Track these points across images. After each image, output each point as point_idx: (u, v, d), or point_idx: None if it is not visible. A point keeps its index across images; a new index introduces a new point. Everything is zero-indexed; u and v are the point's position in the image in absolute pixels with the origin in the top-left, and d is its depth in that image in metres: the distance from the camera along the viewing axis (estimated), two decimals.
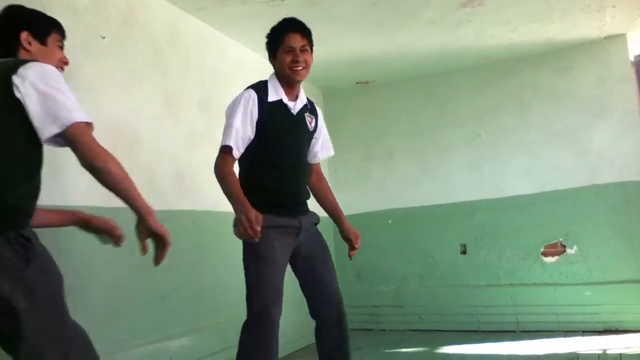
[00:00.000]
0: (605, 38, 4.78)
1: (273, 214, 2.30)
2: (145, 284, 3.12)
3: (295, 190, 2.47)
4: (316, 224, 2.57)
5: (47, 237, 2.59)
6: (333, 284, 2.51)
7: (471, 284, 5.10)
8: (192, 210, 3.58)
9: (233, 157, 2.33)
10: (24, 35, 1.80)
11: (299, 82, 2.43)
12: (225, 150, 2.32)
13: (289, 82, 2.42)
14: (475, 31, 4.42)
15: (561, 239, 4.85)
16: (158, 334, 3.16)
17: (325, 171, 5.56)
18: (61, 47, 1.96)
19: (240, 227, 2.13)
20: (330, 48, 4.54)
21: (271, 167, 2.39)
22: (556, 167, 4.92)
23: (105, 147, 2.84)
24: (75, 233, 2.72)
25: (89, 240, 2.79)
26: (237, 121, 2.30)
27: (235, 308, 3.81)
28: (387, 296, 5.42)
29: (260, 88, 2.40)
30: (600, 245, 4.69)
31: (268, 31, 2.49)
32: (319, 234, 2.58)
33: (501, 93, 5.19)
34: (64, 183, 2.73)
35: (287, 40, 2.38)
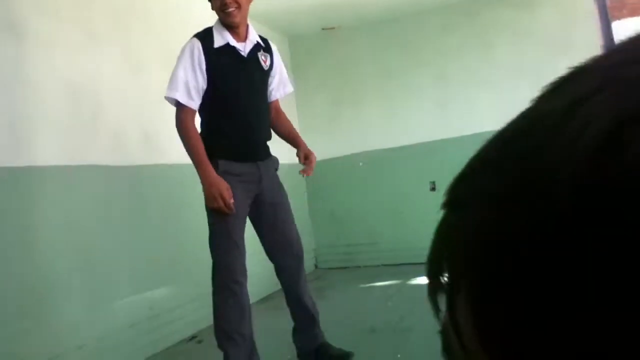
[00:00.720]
0: None
1: (232, 160, 2.36)
2: (119, 239, 3.16)
3: (253, 134, 2.47)
4: (276, 169, 2.61)
5: (17, 197, 2.59)
6: (293, 229, 2.60)
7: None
8: (160, 164, 3.59)
9: (190, 108, 2.34)
10: None
11: (234, 23, 2.38)
12: (179, 106, 2.35)
13: (227, 25, 2.39)
14: None
15: None
16: (137, 285, 3.24)
17: (294, 117, 5.63)
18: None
19: (214, 203, 2.22)
20: None
21: (227, 113, 2.40)
22: (521, 102, 4.64)
23: (68, 107, 2.83)
24: (46, 197, 2.73)
25: (60, 201, 2.81)
26: (184, 72, 2.31)
27: (207, 256, 3.91)
28: (361, 235, 5.59)
29: (205, 35, 2.39)
30: None
31: None
32: (280, 184, 2.62)
33: (465, 33, 5.24)
34: (27, 143, 2.70)
35: None
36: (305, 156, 2.62)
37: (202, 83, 2.34)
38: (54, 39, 2.91)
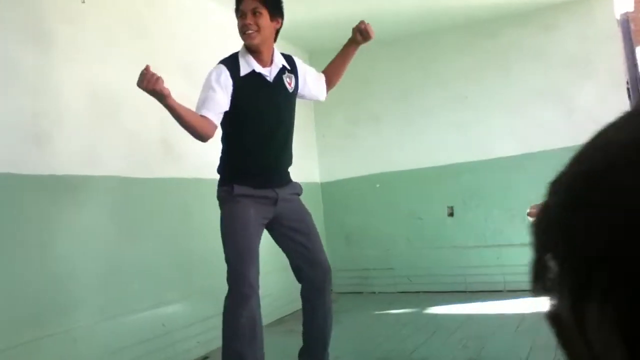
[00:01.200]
0: None
1: (249, 186, 2.34)
2: (134, 252, 3.13)
3: (273, 163, 2.45)
4: (298, 194, 2.56)
5: (39, 206, 2.58)
6: (318, 251, 2.52)
7: (459, 245, 5.17)
8: (179, 178, 3.57)
9: (211, 121, 2.29)
10: None
11: (254, 46, 2.36)
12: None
13: (250, 49, 2.37)
14: None
15: None
16: (150, 301, 3.19)
17: (312, 136, 5.60)
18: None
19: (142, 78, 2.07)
20: (314, 9, 4.48)
21: (249, 142, 2.39)
22: (542, 127, 4.93)
23: (86, 112, 2.86)
24: (66, 206, 2.73)
25: (79, 211, 2.80)
26: (210, 92, 2.28)
27: (225, 276, 3.86)
28: (376, 259, 5.48)
29: (231, 62, 2.36)
30: None
31: None
32: (301, 203, 2.58)
33: (486, 53, 5.16)
34: (50, 151, 2.69)
35: (238, 5, 2.36)
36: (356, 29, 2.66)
37: (225, 104, 2.31)
38: (77, 47, 2.92)
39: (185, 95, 3.65)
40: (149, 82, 2.01)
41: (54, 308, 2.61)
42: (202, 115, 2.24)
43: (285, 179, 2.53)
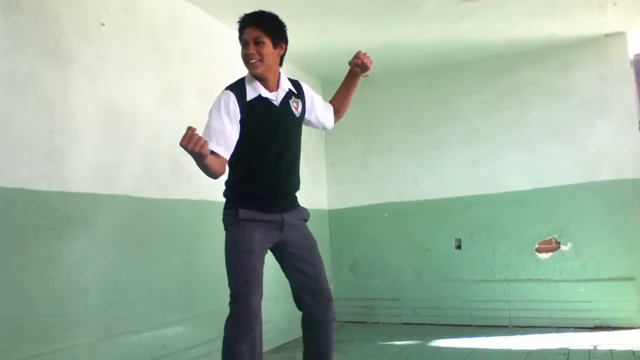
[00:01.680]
0: (605, 36, 4.78)
1: (254, 210, 2.32)
2: (140, 272, 3.13)
3: (279, 185, 2.42)
4: (305, 219, 2.53)
5: (48, 222, 2.60)
6: (322, 281, 2.47)
7: (466, 279, 5.13)
8: (189, 200, 3.58)
9: (221, 156, 2.25)
10: None
11: (257, 74, 2.35)
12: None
13: (255, 76, 2.36)
14: (476, 26, 4.41)
15: (556, 236, 4.87)
16: (153, 321, 3.17)
17: (322, 164, 5.62)
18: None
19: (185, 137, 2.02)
20: (330, 39, 4.53)
21: (256, 166, 2.37)
22: (554, 163, 4.93)
23: (103, 132, 2.89)
24: (75, 224, 2.75)
25: (88, 229, 2.82)
26: (220, 123, 2.26)
27: (228, 298, 3.84)
28: (382, 289, 5.44)
29: (238, 87, 2.35)
30: (595, 242, 4.72)
31: None
32: (308, 230, 2.53)
33: (501, 88, 5.19)
34: (63, 169, 2.72)
35: (241, 34, 2.35)
36: (353, 62, 2.68)
37: (235, 136, 2.29)
38: (95, 68, 2.97)
39: (201, 116, 3.69)
40: (195, 145, 2.00)
41: (57, 324, 2.60)
42: (212, 152, 2.20)
43: (293, 204, 2.49)
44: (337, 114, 2.77)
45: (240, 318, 2.25)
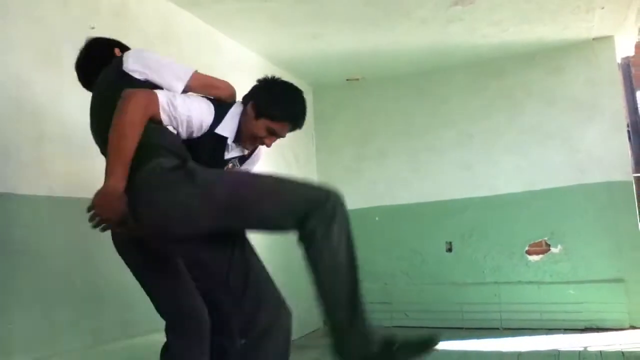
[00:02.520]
0: (594, 39, 4.82)
1: None
2: (128, 277, 3.08)
3: None
4: None
5: (36, 226, 2.58)
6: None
7: (457, 282, 5.14)
8: None
9: (158, 107, 1.85)
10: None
11: (245, 149, 2.12)
12: (153, 94, 1.86)
13: (245, 142, 2.10)
14: (466, 30, 4.44)
15: (547, 238, 4.91)
16: (144, 327, 3.14)
17: (313, 169, 5.61)
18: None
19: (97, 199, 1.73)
20: (321, 45, 4.54)
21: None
22: (545, 166, 4.96)
23: (91, 137, 2.84)
24: (62, 227, 2.72)
25: (75, 233, 2.78)
26: (190, 108, 1.93)
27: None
28: (374, 293, 5.42)
29: (218, 114, 2.02)
30: (585, 244, 4.75)
31: (272, 85, 2.12)
32: None
33: (493, 93, 5.22)
34: (50, 174, 2.70)
35: (278, 124, 2.05)
36: None
37: (184, 129, 1.95)
38: None
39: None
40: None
41: (43, 331, 2.54)
42: (159, 107, 1.85)
43: None
44: None
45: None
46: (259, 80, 2.14)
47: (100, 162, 2.80)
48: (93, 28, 3.02)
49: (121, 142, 1.74)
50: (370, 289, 5.37)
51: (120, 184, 1.71)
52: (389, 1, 3.82)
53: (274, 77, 2.16)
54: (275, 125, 2.04)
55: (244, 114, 2.05)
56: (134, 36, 3.32)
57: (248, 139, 2.08)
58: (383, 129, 5.62)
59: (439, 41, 4.67)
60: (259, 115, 2.03)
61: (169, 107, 1.88)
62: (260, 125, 2.03)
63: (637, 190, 4.82)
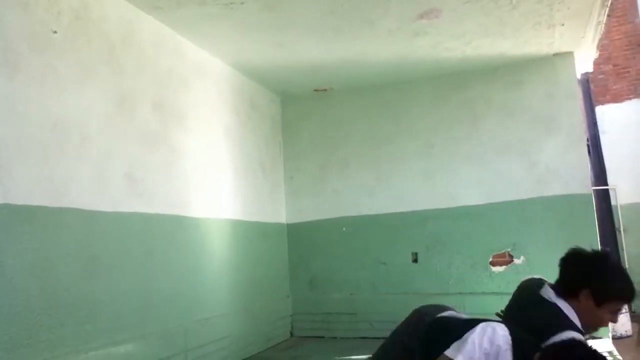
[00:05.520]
0: (554, 55, 4.95)
1: None
2: (91, 288, 3.02)
3: None
4: None
5: None
6: None
7: (422, 292, 5.16)
8: (143, 213, 3.49)
9: None
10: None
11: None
12: None
13: (589, 331, 2.16)
14: (431, 43, 4.50)
15: (509, 249, 4.98)
16: (103, 340, 3.06)
17: (280, 177, 5.60)
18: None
19: None
20: (288, 54, 4.53)
21: None
22: (506, 178, 5.05)
23: (53, 144, 2.75)
24: (21, 237, 2.63)
25: (35, 243, 2.70)
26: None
27: (183, 314, 3.75)
28: (339, 303, 5.42)
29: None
30: (546, 255, 4.82)
31: (600, 267, 2.20)
32: None
33: (455, 105, 5.30)
34: (7, 181, 2.60)
35: (621, 306, 2.20)
36: None
37: None
38: (45, 77, 2.86)
39: (154, 131, 3.59)
40: None
41: (1, 345, 2.47)
42: None
43: None
44: None
45: None
46: (570, 263, 2.40)
47: (63, 168, 2.71)
48: (55, 32, 2.95)
49: None
50: (336, 300, 5.43)
51: None
52: (353, 11, 3.84)
53: (596, 255, 2.29)
54: (621, 305, 2.18)
55: (577, 307, 2.13)
56: (95, 41, 3.26)
57: (591, 326, 2.17)
58: (348, 138, 5.64)
59: (405, 54, 4.73)
60: (600, 302, 2.12)
61: None
62: (605, 309, 2.14)
63: (596, 203, 4.94)
